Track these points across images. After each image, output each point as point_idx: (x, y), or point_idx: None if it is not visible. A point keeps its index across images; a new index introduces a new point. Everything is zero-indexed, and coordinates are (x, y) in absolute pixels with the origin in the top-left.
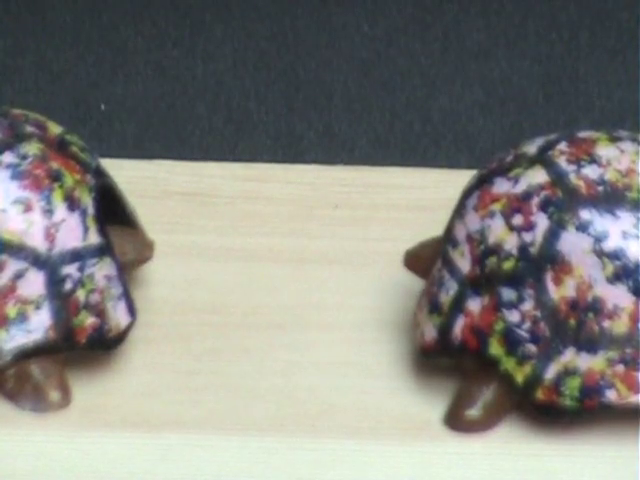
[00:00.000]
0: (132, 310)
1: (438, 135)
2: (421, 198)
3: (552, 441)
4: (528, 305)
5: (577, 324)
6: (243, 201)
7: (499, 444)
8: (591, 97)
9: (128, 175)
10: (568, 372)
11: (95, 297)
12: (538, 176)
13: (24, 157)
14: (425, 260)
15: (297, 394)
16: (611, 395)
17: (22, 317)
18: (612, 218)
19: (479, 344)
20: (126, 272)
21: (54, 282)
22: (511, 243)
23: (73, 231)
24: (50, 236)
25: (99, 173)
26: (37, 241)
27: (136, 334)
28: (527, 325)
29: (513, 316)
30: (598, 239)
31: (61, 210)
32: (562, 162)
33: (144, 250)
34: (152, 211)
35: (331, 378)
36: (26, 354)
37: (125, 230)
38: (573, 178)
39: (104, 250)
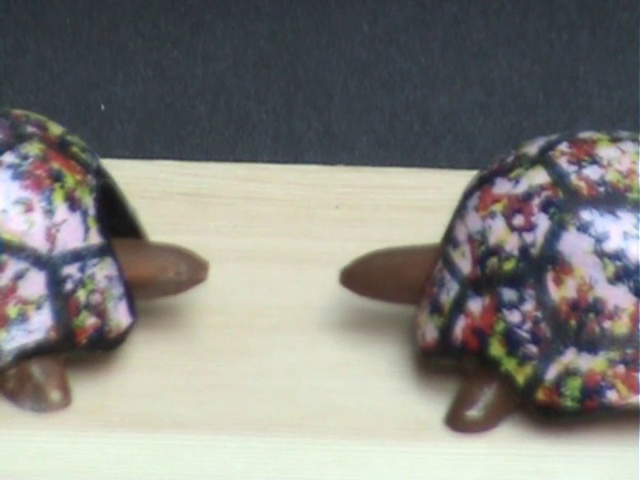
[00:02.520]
0: (133, 311)
1: (438, 135)
2: (422, 199)
3: (553, 442)
4: (529, 306)
5: (578, 325)
6: (244, 202)
7: (500, 444)
8: (591, 97)
9: (128, 175)
10: (569, 373)
11: (96, 297)
12: (539, 177)
13: (25, 157)
14: (359, 277)
15: (297, 395)
16: (612, 396)
17: (23, 317)
18: (613, 219)
19: (480, 345)
20: (179, 292)
21: (55, 282)
22: (512, 244)
23: (74, 231)
24: (51, 236)
25: (100, 173)
26: (38, 241)
27: (136, 335)
28: (528, 326)
29: (514, 317)
30: (599, 240)
31: (62, 210)
32: (563, 163)
33: (199, 271)
34: (152, 212)
35: (332, 379)
36: (27, 354)
37: (181, 250)
38: (574, 179)
39: (105, 250)
